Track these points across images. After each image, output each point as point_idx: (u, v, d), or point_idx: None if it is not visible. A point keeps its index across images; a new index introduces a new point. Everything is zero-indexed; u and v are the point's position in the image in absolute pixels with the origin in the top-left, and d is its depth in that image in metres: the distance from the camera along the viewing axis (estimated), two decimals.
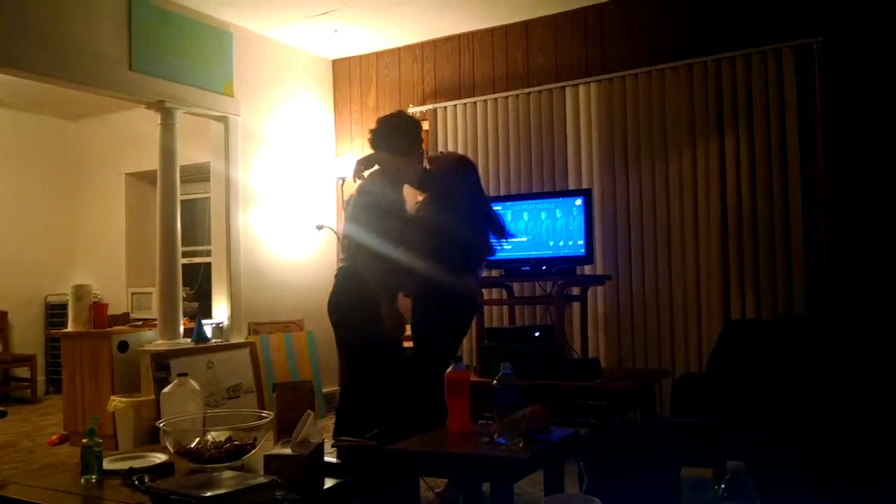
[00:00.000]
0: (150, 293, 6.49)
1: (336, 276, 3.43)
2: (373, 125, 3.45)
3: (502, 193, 5.22)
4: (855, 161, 4.28)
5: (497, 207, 4.75)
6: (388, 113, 3.57)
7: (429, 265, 3.29)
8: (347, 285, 3.34)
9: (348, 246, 3.39)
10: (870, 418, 2.89)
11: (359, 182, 3.45)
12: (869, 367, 3.27)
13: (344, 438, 2.52)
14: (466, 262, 3.45)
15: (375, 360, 3.29)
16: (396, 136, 3.35)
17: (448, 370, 2.52)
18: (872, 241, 4.23)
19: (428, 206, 3.46)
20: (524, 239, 4.64)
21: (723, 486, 1.41)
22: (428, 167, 3.52)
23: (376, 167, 3.43)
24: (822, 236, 4.35)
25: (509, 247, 4.66)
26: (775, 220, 4.42)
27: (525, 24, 5.35)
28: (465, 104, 5.49)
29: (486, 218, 3.52)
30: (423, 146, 3.53)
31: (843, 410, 2.94)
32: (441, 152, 3.93)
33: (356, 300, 3.27)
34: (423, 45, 5.78)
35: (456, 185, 3.43)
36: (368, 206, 3.30)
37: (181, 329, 4.90)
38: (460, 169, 3.55)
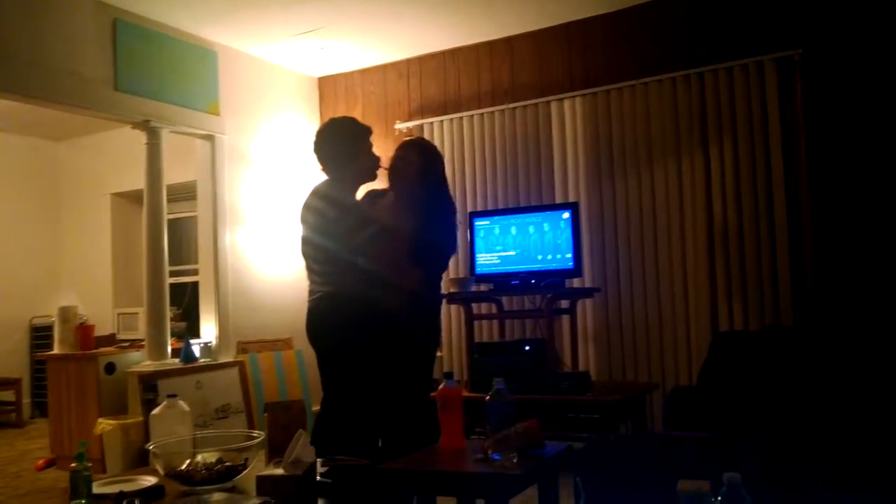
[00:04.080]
0: (137, 314, 6.44)
1: (318, 304, 3.16)
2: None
3: (490, 208, 5.23)
4: (838, 170, 4.33)
5: (485, 222, 4.78)
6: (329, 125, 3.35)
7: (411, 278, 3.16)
8: (337, 309, 3.12)
9: (333, 271, 3.14)
10: (859, 425, 2.90)
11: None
12: (857, 375, 3.29)
13: (337, 457, 2.50)
14: (439, 271, 3.42)
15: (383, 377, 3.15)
16: (338, 141, 3.21)
17: (440, 387, 2.51)
18: (857, 249, 4.27)
19: (400, 211, 3.26)
20: (513, 253, 4.65)
21: (719, 498, 1.41)
22: (392, 164, 3.36)
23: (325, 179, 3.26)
24: (807, 246, 4.39)
25: (497, 260, 4.68)
26: (760, 230, 4.45)
27: (509, 40, 5.38)
28: (451, 120, 5.51)
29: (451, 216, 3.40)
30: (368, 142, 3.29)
31: (834, 418, 2.95)
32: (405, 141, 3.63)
33: (353, 325, 3.09)
34: (408, 62, 5.80)
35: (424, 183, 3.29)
36: (362, 221, 3.12)
37: (169, 349, 4.86)
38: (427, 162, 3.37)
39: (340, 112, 6.07)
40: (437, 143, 5.53)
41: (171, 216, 5.62)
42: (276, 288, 5.68)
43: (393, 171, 3.36)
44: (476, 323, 4.92)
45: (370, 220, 3.13)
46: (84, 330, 5.04)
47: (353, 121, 3.34)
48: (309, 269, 3.27)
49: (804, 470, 1.95)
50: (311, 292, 3.25)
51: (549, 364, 4.12)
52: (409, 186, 3.30)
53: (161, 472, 2.26)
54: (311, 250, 3.23)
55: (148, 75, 4.83)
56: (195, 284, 5.73)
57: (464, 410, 2.53)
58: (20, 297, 7.27)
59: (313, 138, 3.28)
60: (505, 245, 4.67)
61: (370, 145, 3.27)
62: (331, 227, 3.12)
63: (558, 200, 5.03)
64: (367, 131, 3.26)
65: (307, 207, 3.25)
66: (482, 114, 5.38)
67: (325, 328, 3.17)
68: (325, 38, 5.37)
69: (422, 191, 3.28)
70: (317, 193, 3.25)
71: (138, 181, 4.99)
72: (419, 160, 3.33)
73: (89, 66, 4.54)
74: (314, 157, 3.30)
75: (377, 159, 3.28)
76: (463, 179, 5.42)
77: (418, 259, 3.17)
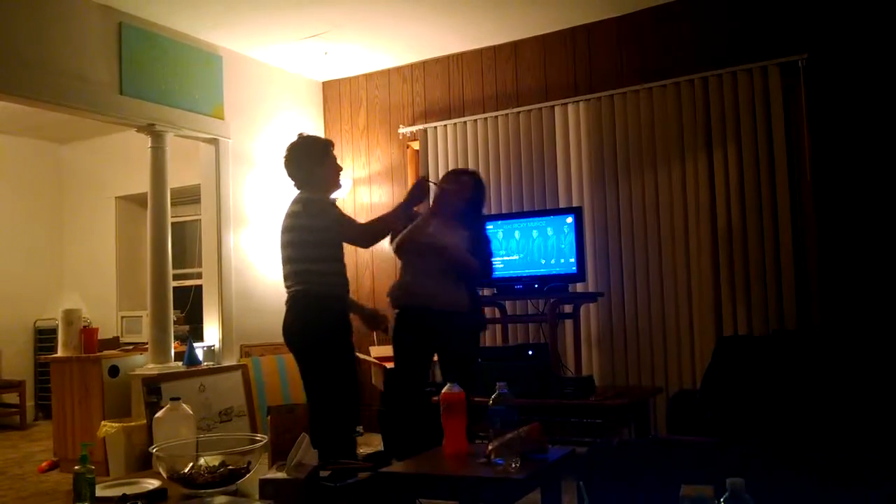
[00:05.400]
0: (141, 317, 6.45)
1: (295, 302, 3.57)
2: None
3: (493, 212, 5.22)
4: (842, 175, 4.32)
5: (489, 226, 4.78)
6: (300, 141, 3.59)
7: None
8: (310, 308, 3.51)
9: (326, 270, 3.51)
10: (863, 430, 2.89)
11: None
12: (862, 380, 3.28)
13: (340, 461, 2.50)
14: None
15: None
16: (303, 155, 3.51)
17: (444, 390, 2.51)
18: (861, 254, 4.26)
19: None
20: (516, 257, 4.65)
21: (723, 503, 1.41)
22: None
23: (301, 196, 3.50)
24: (811, 251, 4.38)
25: (500, 265, 4.67)
26: (765, 235, 4.45)
27: (514, 45, 5.39)
28: (455, 124, 5.51)
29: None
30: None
31: (838, 423, 2.94)
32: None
33: (331, 322, 3.45)
34: (412, 67, 5.81)
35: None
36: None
37: (172, 352, 4.87)
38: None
39: (345, 116, 6.09)
40: (440, 147, 5.54)
41: (175, 219, 5.64)
42: (279, 291, 5.63)
43: (445, 193, 3.67)
44: None
45: (347, 216, 3.50)
46: (88, 333, 5.04)
47: (314, 137, 3.68)
48: (293, 272, 3.64)
49: (807, 474, 1.94)
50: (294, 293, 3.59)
51: (552, 368, 4.11)
52: (458, 205, 3.63)
53: (164, 475, 2.26)
54: (301, 251, 3.54)
55: (152, 79, 4.85)
56: (199, 288, 5.73)
57: (467, 414, 2.53)
58: (24, 300, 7.29)
59: (284, 158, 3.56)
60: (508, 249, 4.67)
61: (334, 157, 3.59)
62: (317, 222, 3.41)
63: (562, 205, 5.02)
64: (329, 144, 3.60)
65: (291, 215, 3.53)
66: (486, 118, 5.39)
67: (321, 324, 3.51)
68: (330, 42, 5.38)
69: (471, 211, 3.68)
70: (297, 201, 3.53)
71: (142, 184, 5.00)
72: (473, 184, 3.72)
73: (94, 70, 4.56)
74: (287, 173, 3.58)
75: (340, 168, 3.61)
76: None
77: (459, 274, 3.50)
